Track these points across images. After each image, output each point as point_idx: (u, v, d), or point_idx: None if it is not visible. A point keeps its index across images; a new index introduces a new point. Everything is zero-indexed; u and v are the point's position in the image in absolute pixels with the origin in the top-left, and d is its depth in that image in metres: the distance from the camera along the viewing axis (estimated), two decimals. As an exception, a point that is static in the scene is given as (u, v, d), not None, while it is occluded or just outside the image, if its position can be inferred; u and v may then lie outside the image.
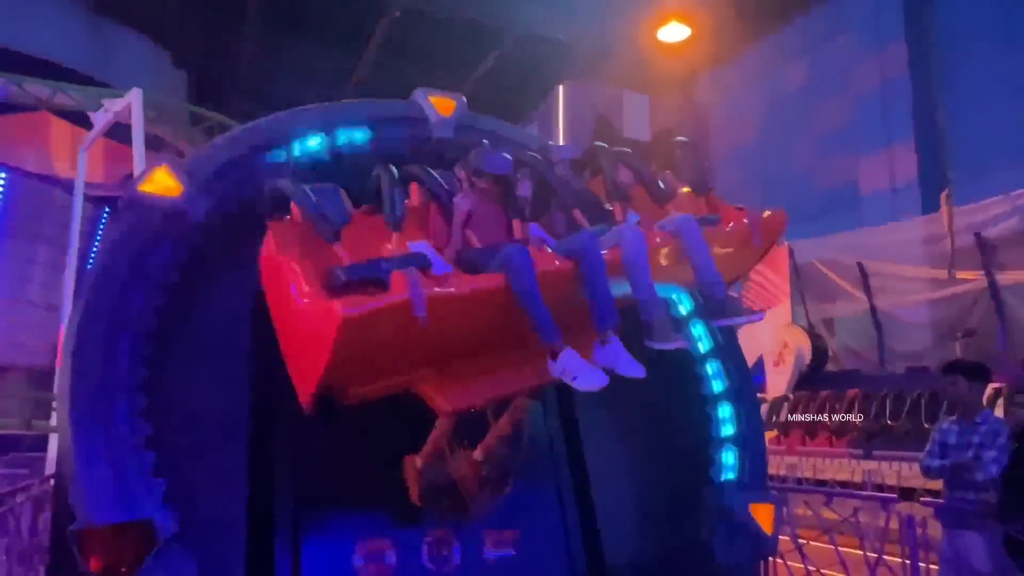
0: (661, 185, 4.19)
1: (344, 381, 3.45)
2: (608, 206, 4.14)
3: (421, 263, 3.37)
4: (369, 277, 3.24)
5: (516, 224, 3.92)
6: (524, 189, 3.97)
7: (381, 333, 3.08)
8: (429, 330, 3.09)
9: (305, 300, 3.20)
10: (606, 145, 4.34)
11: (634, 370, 3.45)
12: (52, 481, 6.48)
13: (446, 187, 3.89)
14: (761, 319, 4.27)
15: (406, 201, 3.93)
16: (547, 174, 4.09)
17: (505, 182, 3.92)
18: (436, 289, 3.10)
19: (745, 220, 3.95)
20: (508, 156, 4.02)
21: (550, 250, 3.62)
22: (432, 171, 3.95)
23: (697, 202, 4.22)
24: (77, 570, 3.48)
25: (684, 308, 4.99)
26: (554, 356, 3.37)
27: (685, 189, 4.33)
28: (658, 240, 3.69)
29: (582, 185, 4.32)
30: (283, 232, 3.60)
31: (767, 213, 4.06)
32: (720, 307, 3.73)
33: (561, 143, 19.03)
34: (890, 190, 15.22)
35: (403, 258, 3.40)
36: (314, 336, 3.18)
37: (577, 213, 4.08)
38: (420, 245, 3.69)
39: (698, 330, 5.02)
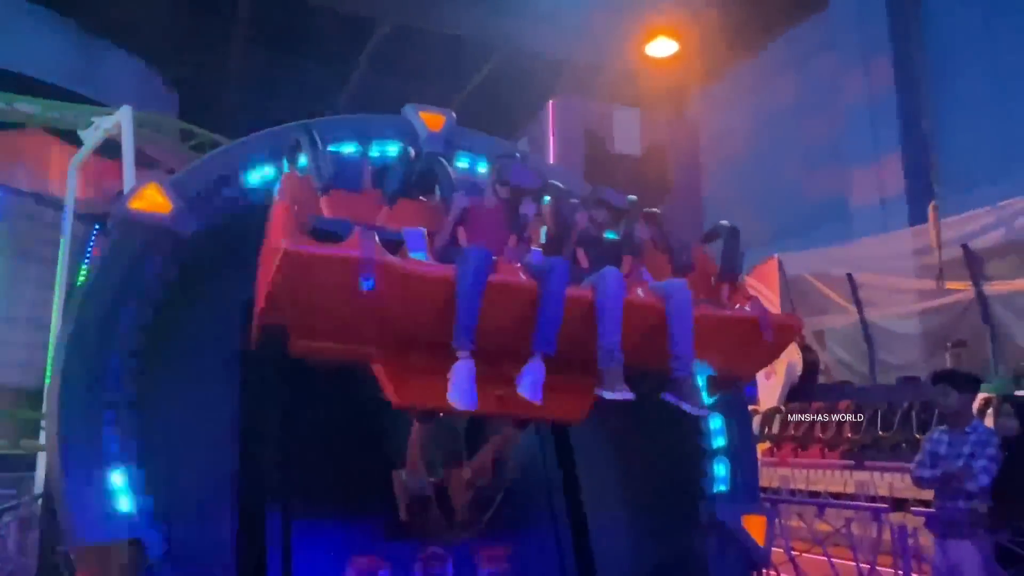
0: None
1: (287, 322, 3.39)
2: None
3: (391, 237, 3.42)
4: (340, 233, 3.25)
5: (513, 240, 3.88)
6: (528, 208, 3.93)
7: (324, 283, 3.08)
8: (378, 303, 3.09)
9: (271, 236, 3.30)
10: (636, 198, 4.31)
11: (532, 393, 3.31)
12: (40, 501, 6.43)
13: (454, 181, 3.93)
14: (705, 415, 4.08)
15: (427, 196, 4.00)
16: (563, 207, 4.10)
17: (514, 197, 3.90)
18: (385, 257, 3.07)
19: (747, 307, 3.82)
20: (534, 174, 4.03)
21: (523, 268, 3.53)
22: (449, 166, 3.99)
23: (719, 286, 4.11)
24: (65, 590, 3.47)
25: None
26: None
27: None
28: (639, 293, 3.57)
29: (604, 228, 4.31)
30: (288, 181, 3.79)
31: (781, 314, 4.00)
32: (678, 384, 3.48)
33: (551, 160, 19.16)
34: (879, 202, 15.31)
35: (376, 228, 3.44)
36: (266, 269, 3.29)
37: (580, 253, 4.08)
38: (415, 231, 3.70)
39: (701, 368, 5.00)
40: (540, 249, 4.07)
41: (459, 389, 3.23)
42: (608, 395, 3.35)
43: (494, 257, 3.39)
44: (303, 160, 3.98)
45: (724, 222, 4.30)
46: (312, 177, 3.71)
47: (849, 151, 16.15)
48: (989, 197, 11.61)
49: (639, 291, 3.59)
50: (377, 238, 3.14)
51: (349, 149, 4.66)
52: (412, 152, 4.05)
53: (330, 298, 3.14)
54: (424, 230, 3.79)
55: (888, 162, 15.22)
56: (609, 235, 4.41)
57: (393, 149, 4.77)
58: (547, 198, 4.25)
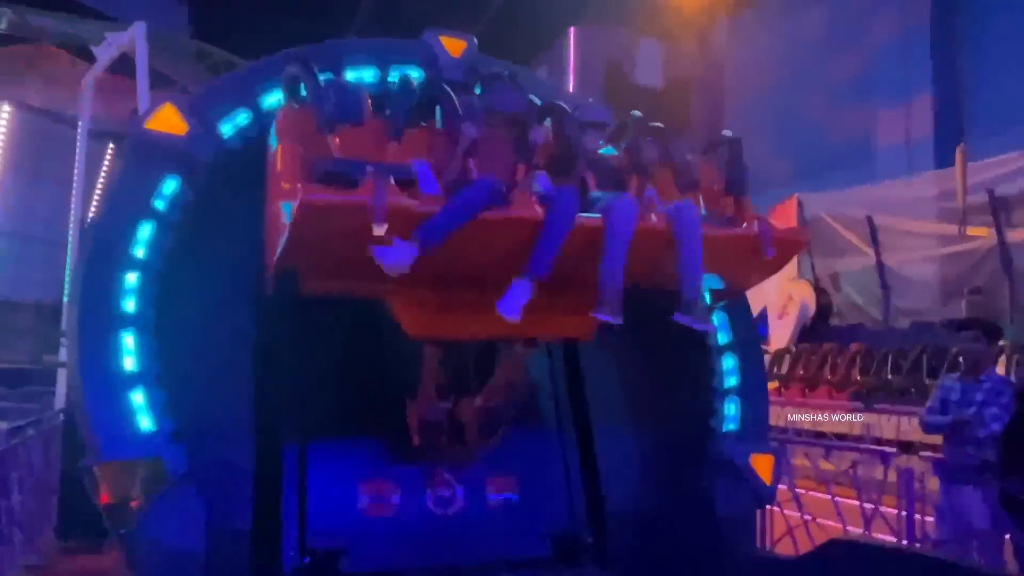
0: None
1: (302, 265, 3.51)
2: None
3: (404, 175, 3.38)
4: (351, 175, 3.25)
5: (521, 169, 3.81)
6: (537, 134, 3.85)
7: (339, 228, 3.13)
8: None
9: (280, 181, 3.34)
10: (641, 115, 4.24)
11: (511, 312, 3.36)
12: (62, 416, 6.58)
13: (460, 112, 3.76)
14: (712, 330, 4.19)
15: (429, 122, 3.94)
16: (568, 129, 4.00)
17: (520, 124, 3.81)
18: (398, 199, 3.13)
19: (756, 225, 3.78)
20: (523, 96, 3.96)
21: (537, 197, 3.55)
22: (454, 93, 3.85)
23: (724, 200, 4.06)
24: (89, 504, 3.55)
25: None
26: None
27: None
28: (653, 219, 3.59)
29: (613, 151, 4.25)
30: (288, 117, 3.69)
31: (785, 228, 4.00)
32: (688, 307, 3.55)
33: (571, 89, 18.72)
34: (905, 145, 14.96)
35: (388, 166, 3.40)
36: (275, 216, 3.37)
37: (590, 176, 4.01)
38: (422, 164, 3.62)
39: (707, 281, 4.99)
40: (545, 173, 3.99)
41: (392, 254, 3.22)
42: (605, 319, 3.46)
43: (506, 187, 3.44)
44: (303, 90, 3.82)
45: (726, 132, 4.26)
46: (313, 111, 3.61)
47: (877, 89, 15.70)
48: (1021, 141, 11.30)
49: (652, 216, 3.63)
50: (392, 180, 3.15)
51: (367, 74, 4.54)
52: (413, 81, 3.94)
53: (347, 243, 3.17)
54: (428, 164, 3.70)
55: (917, 103, 14.81)
56: (608, 151, 4.37)
57: (414, 74, 4.65)
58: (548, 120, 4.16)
